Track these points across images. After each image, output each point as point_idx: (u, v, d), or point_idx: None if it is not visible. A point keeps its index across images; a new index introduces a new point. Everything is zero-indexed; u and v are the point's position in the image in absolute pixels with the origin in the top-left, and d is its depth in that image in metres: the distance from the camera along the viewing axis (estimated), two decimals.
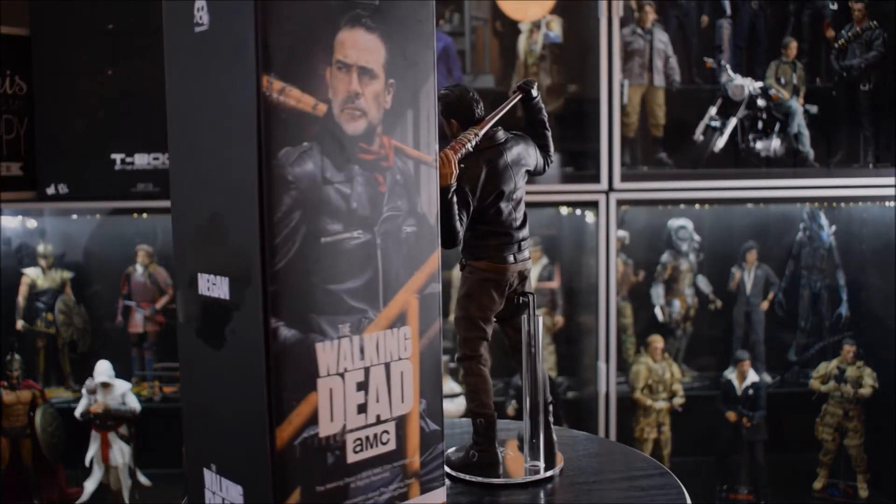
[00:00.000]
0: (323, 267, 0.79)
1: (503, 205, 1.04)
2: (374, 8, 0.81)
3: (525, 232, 1.08)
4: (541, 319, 1.06)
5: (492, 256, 1.05)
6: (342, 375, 0.82)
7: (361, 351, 0.83)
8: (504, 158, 1.04)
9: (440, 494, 0.91)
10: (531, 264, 1.10)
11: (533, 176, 1.11)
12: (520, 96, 1.10)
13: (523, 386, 1.06)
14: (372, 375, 0.84)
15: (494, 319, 1.08)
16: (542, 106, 1.13)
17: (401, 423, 0.87)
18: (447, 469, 1.05)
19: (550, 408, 1.10)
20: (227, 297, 0.80)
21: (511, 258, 1.06)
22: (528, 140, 1.10)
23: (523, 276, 1.08)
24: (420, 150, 0.87)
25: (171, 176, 0.88)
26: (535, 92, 1.11)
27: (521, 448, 1.11)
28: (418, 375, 0.88)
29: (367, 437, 0.84)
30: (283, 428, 0.77)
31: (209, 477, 0.86)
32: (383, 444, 0.85)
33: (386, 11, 0.82)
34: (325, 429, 0.81)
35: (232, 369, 0.81)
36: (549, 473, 1.05)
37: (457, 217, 1.00)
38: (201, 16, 0.82)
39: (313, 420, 0.79)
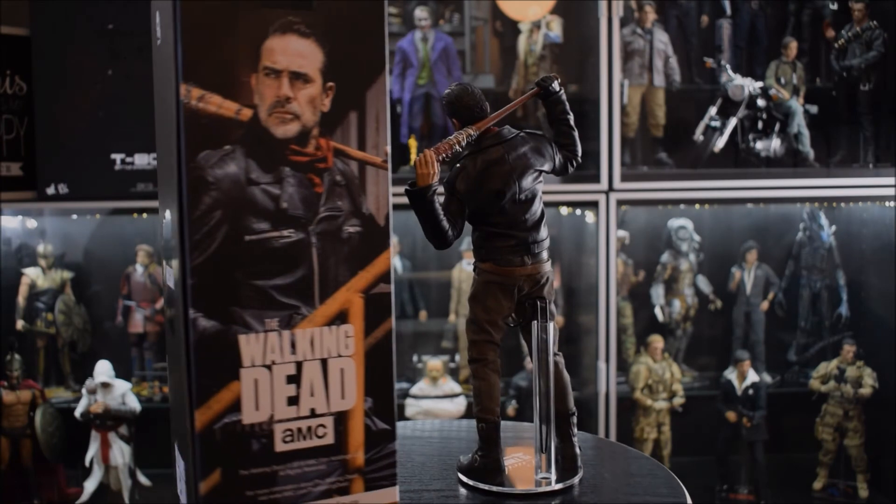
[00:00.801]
0: (247, 263, 0.84)
1: (508, 206, 1.01)
2: (308, 13, 0.84)
3: (538, 235, 1.03)
4: (552, 326, 1.03)
5: (497, 259, 1.02)
6: (269, 367, 0.86)
7: (293, 345, 0.87)
8: (505, 157, 1.01)
9: (391, 494, 0.92)
10: (549, 268, 1.05)
11: (556, 175, 1.07)
12: (531, 93, 1.07)
13: (534, 395, 1.03)
14: (305, 370, 0.88)
15: (512, 324, 1.06)
16: (564, 102, 1.07)
17: (341, 418, 0.90)
18: (460, 475, 1.04)
19: (574, 419, 1.07)
20: (173, 289, 0.88)
21: (518, 261, 1.02)
22: (541, 139, 1.05)
23: (536, 281, 1.03)
24: (367, 151, 0.88)
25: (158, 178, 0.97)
26: (555, 87, 1.06)
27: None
28: (363, 374, 0.90)
29: (300, 429, 0.88)
30: (203, 411, 0.83)
31: (175, 451, 0.95)
32: (319, 437, 0.89)
33: (323, 16, 0.85)
34: (250, 417, 0.86)
35: (174, 355, 0.89)
36: (559, 486, 1.01)
37: (442, 218, 0.98)
38: (158, 30, 0.89)
39: (235, 407, 0.85)
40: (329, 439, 0.89)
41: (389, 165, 0.91)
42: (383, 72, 0.88)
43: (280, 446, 0.87)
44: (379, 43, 0.88)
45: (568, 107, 1.07)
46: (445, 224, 0.99)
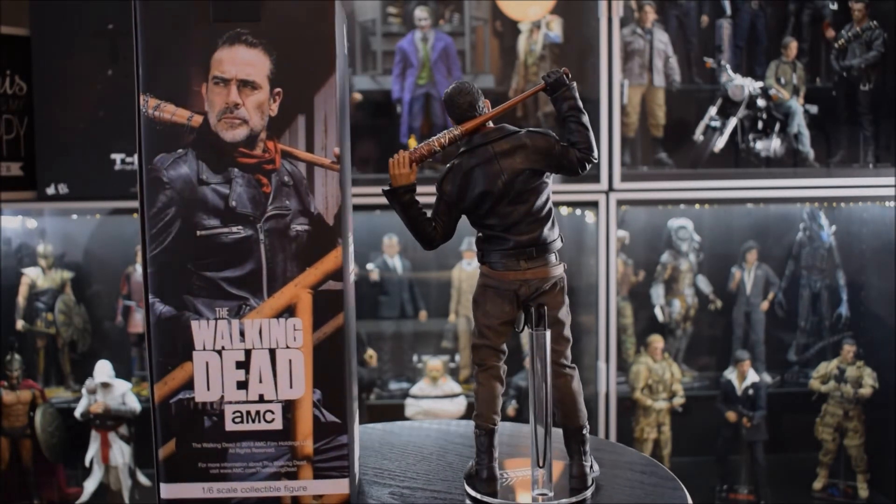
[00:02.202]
0: (198, 256, 0.93)
1: (501, 207, 0.97)
2: (255, 25, 0.91)
3: (538, 237, 0.98)
4: (548, 335, 0.98)
5: (492, 262, 0.99)
6: (219, 352, 0.95)
7: (242, 334, 0.94)
8: (493, 157, 0.97)
9: (341, 486, 0.96)
10: (555, 273, 1.00)
11: (568, 175, 1.00)
12: (535, 88, 1.02)
13: (530, 407, 0.99)
14: (254, 357, 0.95)
15: (517, 329, 1.02)
16: (573, 98, 0.99)
17: (288, 406, 0.95)
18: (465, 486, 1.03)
19: (585, 435, 1.01)
20: None
21: (513, 265, 0.98)
22: (541, 137, 0.99)
23: (537, 287, 0.99)
24: (315, 153, 0.93)
25: None
26: (563, 82, 1.00)
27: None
28: (311, 366, 0.94)
29: (248, 412, 0.95)
30: (160, 386, 0.95)
31: None
32: (267, 422, 0.95)
33: (270, 26, 0.91)
34: (202, 395, 0.95)
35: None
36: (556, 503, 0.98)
37: (421, 219, 0.98)
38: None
39: (189, 385, 0.95)
40: (277, 425, 0.95)
41: (349, 166, 0.94)
42: (332, 76, 0.91)
43: (230, 426, 0.95)
44: (327, 48, 0.91)
45: (579, 103, 1.00)
46: (426, 225, 0.98)
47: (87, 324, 2.66)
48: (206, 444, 0.95)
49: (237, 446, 0.95)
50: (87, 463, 2.47)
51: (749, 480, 2.66)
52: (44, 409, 2.49)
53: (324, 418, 0.95)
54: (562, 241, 1.02)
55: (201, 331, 0.94)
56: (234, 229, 0.94)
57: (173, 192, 0.93)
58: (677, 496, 1.01)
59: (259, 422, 0.95)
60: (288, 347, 0.95)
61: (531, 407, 0.99)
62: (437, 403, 2.60)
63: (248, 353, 0.95)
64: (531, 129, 1.01)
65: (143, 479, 2.52)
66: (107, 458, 2.46)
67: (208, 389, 0.95)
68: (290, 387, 0.95)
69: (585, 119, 1.00)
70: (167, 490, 0.96)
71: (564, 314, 1.01)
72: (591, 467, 1.02)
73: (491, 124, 1.01)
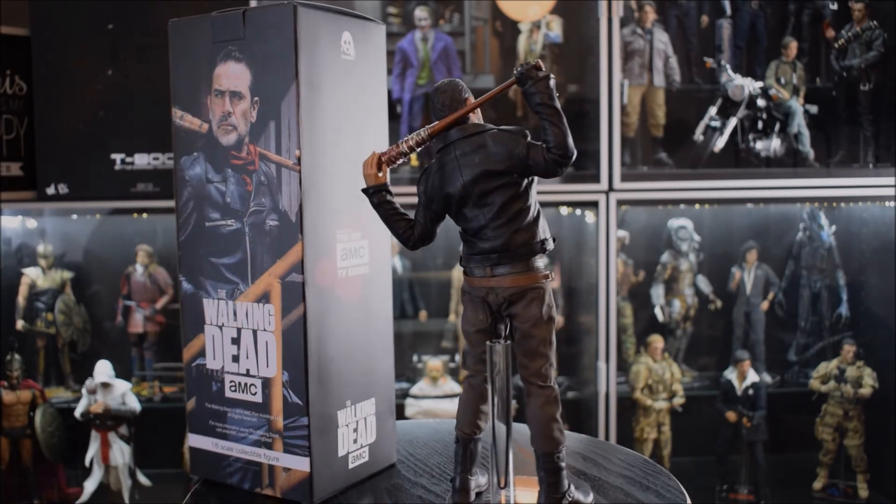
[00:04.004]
0: (206, 244, 1.08)
1: (465, 210, 0.93)
2: (241, 42, 1.03)
3: (507, 244, 0.92)
4: (499, 347, 0.92)
5: (465, 266, 0.95)
6: (221, 328, 1.09)
7: (234, 314, 1.07)
8: (455, 158, 0.93)
9: (304, 463, 1.02)
10: (527, 283, 0.92)
11: (542, 177, 0.92)
12: (506, 84, 0.94)
13: (491, 425, 0.94)
14: (243, 336, 1.07)
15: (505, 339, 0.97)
16: (543, 91, 0.89)
17: (266, 384, 1.05)
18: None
19: (557, 461, 0.92)
20: None
21: (479, 272, 0.93)
22: (508, 136, 0.92)
23: (505, 297, 0.92)
24: (281, 155, 1.01)
25: None
26: (531, 75, 0.90)
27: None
28: (281, 349, 1.03)
29: (239, 383, 1.08)
30: (186, 351, 1.12)
31: None
32: (252, 394, 1.07)
33: (251, 41, 1.02)
34: (210, 363, 1.10)
35: None
36: None
37: (395, 218, 0.96)
38: None
39: (202, 353, 1.11)
40: (259, 398, 1.06)
41: (319, 167, 1.02)
42: (293, 83, 0.99)
43: (228, 393, 1.09)
44: (288, 57, 0.99)
45: (550, 98, 0.89)
46: (399, 226, 0.96)
47: (87, 324, 2.66)
48: (213, 405, 1.10)
49: (233, 411, 1.08)
50: (87, 463, 2.47)
51: (749, 480, 2.66)
52: (44, 409, 2.49)
53: (290, 398, 1.03)
54: (544, 247, 0.93)
55: (209, 308, 1.09)
56: (229, 222, 1.06)
57: (192, 189, 1.09)
58: (677, 496, 1.01)
59: (246, 393, 1.07)
60: (265, 330, 1.05)
61: (492, 425, 0.94)
62: (437, 403, 2.60)
63: (238, 331, 1.07)
64: (503, 127, 0.95)
65: (143, 479, 2.52)
66: (107, 458, 2.46)
67: (214, 358, 1.10)
68: (267, 366, 1.05)
69: (558, 115, 0.89)
70: (192, 439, 1.13)
71: (539, 328, 0.92)
72: (568, 496, 0.93)
73: (480, 119, 0.97)
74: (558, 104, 0.90)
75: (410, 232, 0.97)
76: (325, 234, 1.03)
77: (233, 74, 1.03)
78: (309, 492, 1.02)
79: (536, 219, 0.94)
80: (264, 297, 1.04)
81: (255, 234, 1.04)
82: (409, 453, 1.20)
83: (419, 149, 0.97)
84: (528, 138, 0.92)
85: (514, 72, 0.92)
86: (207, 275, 1.08)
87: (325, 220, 1.03)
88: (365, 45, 1.10)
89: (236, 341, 1.07)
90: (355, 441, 1.08)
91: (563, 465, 0.93)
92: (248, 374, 1.06)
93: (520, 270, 0.92)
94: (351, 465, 1.08)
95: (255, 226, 1.04)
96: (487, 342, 0.93)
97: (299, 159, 1.00)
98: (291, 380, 1.02)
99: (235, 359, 1.07)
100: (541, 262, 0.94)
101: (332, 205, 1.04)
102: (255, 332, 1.05)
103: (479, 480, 0.99)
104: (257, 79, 1.02)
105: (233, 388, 1.08)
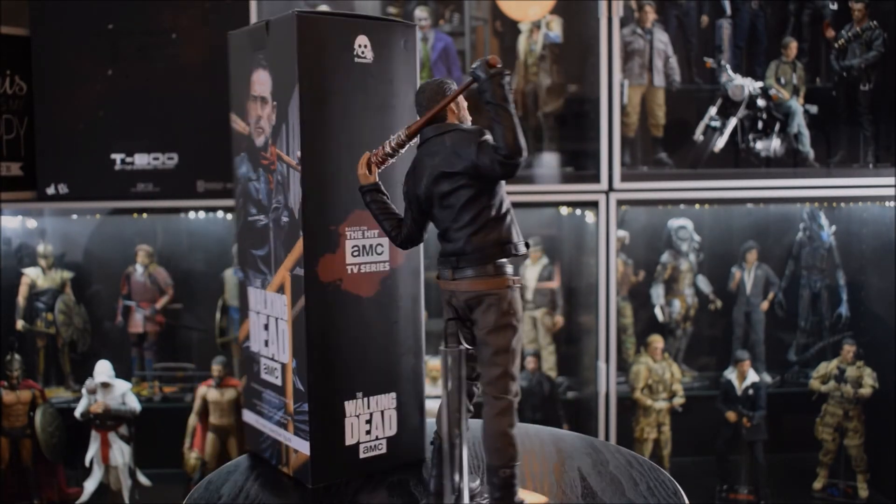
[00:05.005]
0: (248, 237, 1.18)
1: (433, 211, 0.93)
2: (265, 50, 1.10)
3: (469, 247, 0.89)
4: (451, 353, 0.87)
5: (438, 268, 0.94)
6: (258, 314, 1.18)
7: (265, 302, 1.15)
8: (420, 158, 0.93)
9: (305, 447, 1.07)
10: (485, 288, 0.89)
11: (497, 178, 0.88)
12: (465, 85, 0.91)
13: (445, 431, 0.88)
14: (270, 323, 1.14)
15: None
16: (487, 89, 0.85)
17: (283, 369, 1.12)
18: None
19: (510, 478, 0.89)
20: None
21: (444, 273, 0.92)
22: (465, 135, 0.90)
23: (463, 300, 0.90)
24: (289, 155, 1.06)
25: None
26: (479, 74, 0.86)
27: None
28: (292, 338, 1.09)
29: (267, 367, 1.16)
30: (241, 332, 1.24)
31: None
32: (275, 378, 1.14)
33: (271, 50, 1.09)
34: (253, 346, 1.20)
35: None
36: None
37: (382, 217, 0.98)
38: None
39: (248, 337, 1.21)
40: (279, 382, 1.13)
41: (322, 167, 1.05)
42: (295, 87, 1.04)
43: (262, 374, 1.17)
44: (292, 63, 1.03)
45: (501, 96, 0.85)
46: (387, 224, 0.99)
47: (87, 324, 2.65)
48: (255, 384, 1.20)
49: (265, 392, 1.17)
50: (87, 463, 2.47)
51: (749, 480, 2.66)
52: (44, 409, 2.49)
53: (297, 384, 1.08)
54: (509, 251, 0.90)
55: (251, 295, 1.19)
56: (261, 217, 1.14)
57: (241, 186, 1.20)
58: (677, 497, 1.01)
59: (271, 376, 1.15)
60: (281, 319, 1.11)
61: (446, 430, 0.89)
62: (437, 403, 2.60)
63: (267, 318, 1.15)
64: (466, 127, 0.93)
65: (143, 479, 2.52)
66: (107, 458, 2.46)
67: (254, 342, 1.19)
68: (283, 352, 1.11)
69: (506, 113, 0.84)
70: (244, 414, 1.24)
71: (496, 336, 0.88)
72: None
73: (463, 119, 0.95)
74: (510, 102, 0.85)
75: (398, 231, 0.98)
76: (328, 231, 1.06)
77: (262, 81, 1.11)
78: (310, 474, 1.06)
79: (500, 221, 0.90)
80: (281, 288, 1.10)
81: (276, 230, 1.11)
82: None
83: (401, 150, 0.98)
84: (484, 137, 0.88)
85: (469, 70, 0.93)
86: (250, 265, 1.18)
87: (328, 218, 1.06)
88: (386, 47, 1.10)
89: (266, 327, 1.15)
90: (368, 433, 1.11)
91: (514, 480, 0.88)
92: (273, 359, 1.14)
93: (478, 275, 0.89)
94: (363, 455, 1.11)
95: (275, 221, 1.11)
96: (440, 347, 0.88)
97: (300, 159, 1.04)
98: (299, 367, 1.07)
99: (266, 343, 1.15)
100: (506, 267, 0.90)
101: (339, 203, 1.06)
102: (277, 319, 1.12)
103: (471, 483, 0.98)
104: (276, 85, 1.08)
105: (265, 372, 1.16)
